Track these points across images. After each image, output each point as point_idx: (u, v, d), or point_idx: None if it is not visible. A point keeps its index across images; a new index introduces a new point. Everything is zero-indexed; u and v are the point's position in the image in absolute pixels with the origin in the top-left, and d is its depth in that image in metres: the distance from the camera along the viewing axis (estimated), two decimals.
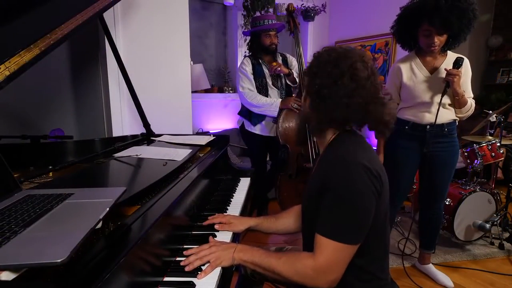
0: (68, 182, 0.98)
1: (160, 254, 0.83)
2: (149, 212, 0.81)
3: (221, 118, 3.74)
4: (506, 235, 2.35)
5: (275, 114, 2.30)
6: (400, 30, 1.75)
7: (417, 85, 1.74)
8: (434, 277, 1.96)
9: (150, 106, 2.02)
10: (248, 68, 2.36)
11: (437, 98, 1.72)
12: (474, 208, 2.27)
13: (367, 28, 3.94)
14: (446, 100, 1.71)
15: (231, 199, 1.39)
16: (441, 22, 1.53)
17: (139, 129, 1.92)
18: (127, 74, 1.71)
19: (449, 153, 1.79)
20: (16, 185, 0.80)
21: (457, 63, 1.63)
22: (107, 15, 1.91)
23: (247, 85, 2.35)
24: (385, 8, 3.65)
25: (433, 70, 1.73)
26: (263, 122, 2.43)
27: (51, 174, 1.08)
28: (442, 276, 1.94)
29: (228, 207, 1.31)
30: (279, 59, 2.46)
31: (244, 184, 1.60)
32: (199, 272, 0.84)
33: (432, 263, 2.05)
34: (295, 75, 2.38)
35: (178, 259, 0.89)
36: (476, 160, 2.43)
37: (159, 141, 1.68)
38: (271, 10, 3.38)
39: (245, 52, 2.73)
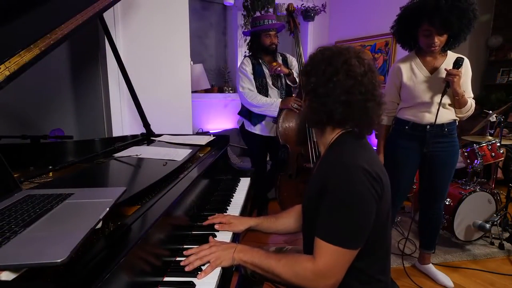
0: (68, 182, 0.98)
1: (160, 254, 0.83)
2: (149, 212, 0.81)
3: (221, 118, 3.74)
4: (506, 235, 2.35)
5: (275, 114, 2.30)
6: (400, 30, 1.75)
7: (417, 85, 1.74)
8: (434, 277, 1.96)
9: (150, 106, 2.02)
10: (248, 68, 2.36)
11: (437, 98, 1.72)
12: (474, 208, 2.27)
13: (367, 28, 3.94)
14: (446, 100, 1.71)
15: (231, 199, 1.39)
16: (441, 22, 1.53)
17: (139, 129, 1.92)
18: (127, 74, 1.71)
19: (449, 153, 1.79)
20: (16, 185, 0.80)
21: (457, 63, 1.63)
22: (107, 15, 1.91)
23: (247, 85, 2.35)
24: (385, 8, 3.65)
25: (433, 70, 1.73)
26: (263, 122, 2.43)
27: (51, 174, 1.08)
28: (442, 276, 1.94)
29: (228, 207, 1.31)
30: (279, 59, 2.46)
31: (244, 184, 1.60)
32: (199, 272, 0.84)
33: (432, 263, 2.05)
34: (295, 75, 2.38)
35: (178, 259, 0.89)
36: (476, 160, 2.43)
37: (159, 141, 1.68)
38: (271, 10, 3.38)
39: (245, 52, 2.73)
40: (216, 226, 1.09)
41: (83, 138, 1.78)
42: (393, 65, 1.86)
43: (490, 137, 2.59)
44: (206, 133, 3.22)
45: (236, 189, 1.53)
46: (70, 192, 0.77)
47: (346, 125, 0.94)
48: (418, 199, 2.08)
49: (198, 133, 3.34)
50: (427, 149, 1.75)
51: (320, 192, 0.85)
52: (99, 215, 0.62)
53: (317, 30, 4.27)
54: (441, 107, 1.69)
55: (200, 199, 1.21)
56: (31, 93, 2.05)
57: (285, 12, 2.55)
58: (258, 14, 3.22)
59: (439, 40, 1.61)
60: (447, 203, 2.28)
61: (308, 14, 3.82)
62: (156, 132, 1.84)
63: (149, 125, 1.82)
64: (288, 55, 2.55)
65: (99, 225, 0.65)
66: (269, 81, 2.40)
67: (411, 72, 1.77)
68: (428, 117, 1.74)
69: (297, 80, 2.40)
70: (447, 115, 1.74)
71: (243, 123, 2.52)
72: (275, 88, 2.41)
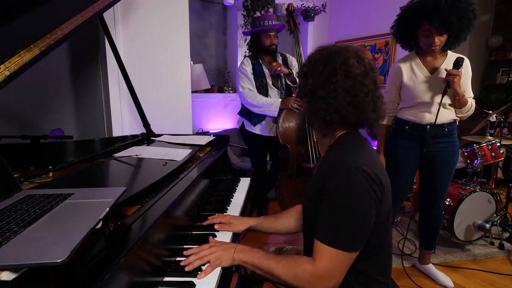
0: (68, 182, 0.98)
1: (160, 254, 0.83)
2: (149, 212, 0.81)
3: (221, 118, 3.74)
4: (506, 235, 2.35)
5: (275, 114, 2.30)
6: (400, 30, 1.75)
7: (417, 85, 1.74)
8: (434, 277, 1.96)
9: (150, 106, 2.02)
10: (248, 68, 2.36)
11: (437, 98, 1.72)
12: (474, 208, 2.27)
13: (367, 28, 3.94)
14: (446, 100, 1.71)
15: (231, 199, 1.39)
16: (442, 22, 1.53)
17: (139, 129, 1.92)
18: (127, 74, 1.71)
19: (449, 153, 1.79)
20: (16, 185, 0.80)
21: (457, 63, 1.63)
22: (107, 15, 1.91)
23: (247, 85, 2.35)
24: (385, 8, 3.65)
25: (433, 70, 1.73)
26: (263, 122, 2.43)
27: (51, 174, 1.08)
28: (442, 276, 1.94)
29: (228, 207, 1.31)
30: (279, 59, 2.46)
31: (244, 184, 1.60)
32: (199, 272, 0.84)
33: (432, 263, 2.05)
34: (295, 75, 2.38)
35: (178, 259, 0.89)
36: (476, 160, 2.43)
37: (159, 141, 1.68)
38: (271, 10, 3.38)
39: (245, 52, 2.73)
40: (216, 226, 1.09)
41: (83, 138, 1.78)
42: (393, 65, 1.86)
43: (490, 137, 2.59)
44: (206, 133, 3.22)
45: (236, 189, 1.53)
46: (70, 192, 0.77)
47: (359, 126, 0.92)
48: (418, 199, 2.07)
49: (198, 133, 3.34)
50: (427, 149, 1.75)
51: (320, 193, 0.85)
52: (99, 215, 0.62)
53: (317, 30, 4.27)
54: (441, 107, 1.69)
55: (200, 199, 1.21)
56: (31, 93, 2.05)
57: (285, 12, 2.55)
58: (258, 14, 3.22)
59: (439, 40, 1.61)
60: (447, 203, 2.28)
61: (308, 14, 3.82)
62: (156, 132, 1.84)
63: (149, 125, 1.82)
64: (288, 55, 2.55)
65: (99, 225, 0.65)
66: (269, 81, 2.40)
67: (411, 72, 1.77)
68: (428, 117, 1.74)
69: (297, 80, 2.40)
70: (447, 115, 1.74)
71: (243, 123, 2.52)
72: (275, 88, 2.41)
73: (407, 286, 1.90)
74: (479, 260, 2.20)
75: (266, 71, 2.39)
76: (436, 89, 1.71)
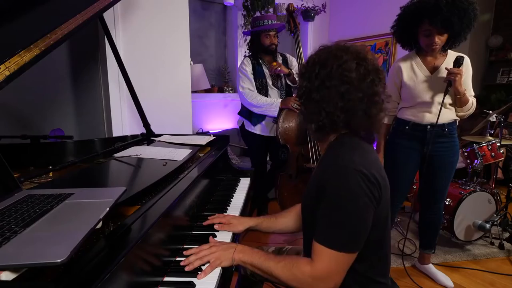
0: (68, 182, 0.98)
1: (160, 254, 0.83)
2: (149, 212, 0.81)
3: (221, 118, 3.74)
4: (506, 235, 2.35)
5: (275, 114, 2.30)
6: (400, 30, 1.75)
7: (418, 85, 1.74)
8: (434, 277, 1.96)
9: (150, 106, 2.02)
10: (248, 68, 2.36)
11: (437, 98, 1.71)
12: (474, 208, 2.27)
13: (367, 28, 3.94)
14: (447, 99, 1.70)
15: (231, 199, 1.39)
16: (442, 22, 1.53)
17: (139, 129, 1.91)
18: (127, 74, 1.71)
19: (449, 153, 1.79)
20: (16, 185, 0.80)
21: (458, 62, 1.63)
22: (107, 15, 1.91)
23: (247, 85, 2.35)
24: (385, 8, 3.65)
25: (434, 70, 1.73)
26: (263, 122, 2.43)
27: (51, 174, 1.08)
28: (442, 276, 1.94)
29: (228, 207, 1.31)
30: (279, 59, 2.46)
31: (244, 184, 1.60)
32: (199, 272, 0.84)
33: (432, 263, 2.05)
34: (295, 75, 2.38)
35: (178, 259, 0.89)
36: (476, 160, 2.43)
37: (159, 141, 1.68)
38: (271, 10, 3.38)
39: (245, 52, 2.74)
40: (216, 226, 1.09)
41: (83, 138, 1.78)
42: (394, 64, 1.86)
43: (490, 137, 2.59)
44: (206, 133, 3.22)
45: (236, 189, 1.53)
46: (70, 192, 0.77)
47: (347, 131, 0.91)
48: (418, 199, 2.08)
49: (198, 133, 3.34)
50: (427, 149, 1.75)
51: (318, 193, 0.84)
52: (99, 215, 0.62)
53: (317, 30, 4.27)
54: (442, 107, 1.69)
55: (200, 199, 1.21)
56: (31, 93, 2.04)
57: (285, 12, 2.56)
58: (258, 14, 3.22)
59: (439, 40, 1.61)
60: (447, 203, 2.28)
61: (308, 14, 3.83)
62: (156, 132, 1.84)
63: (149, 125, 1.82)
64: (288, 55, 2.55)
65: (99, 225, 0.65)
66: (269, 81, 2.40)
67: (412, 72, 1.76)
68: (429, 117, 1.74)
69: (297, 80, 2.40)
70: (447, 115, 1.74)
71: (243, 123, 2.52)
72: (275, 88, 2.41)
73: (407, 286, 1.90)
74: (479, 260, 2.20)
75: (266, 71, 2.39)
76: (436, 88, 1.71)
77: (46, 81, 2.13)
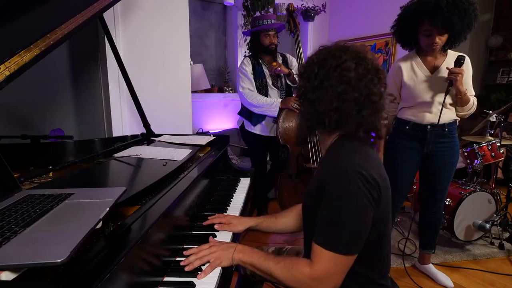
0: (68, 182, 0.98)
1: (160, 254, 0.83)
2: (149, 212, 0.81)
3: (221, 118, 3.74)
4: (506, 235, 2.35)
5: (275, 114, 2.30)
6: (400, 30, 1.75)
7: (418, 85, 1.74)
8: (434, 277, 1.96)
9: (150, 106, 2.02)
10: (248, 68, 2.36)
11: (437, 98, 1.71)
12: (474, 208, 2.27)
13: (367, 28, 3.94)
14: (447, 99, 1.70)
15: (231, 199, 1.39)
16: (443, 22, 1.53)
17: (139, 129, 1.91)
18: (127, 74, 1.71)
19: (449, 153, 1.79)
20: (16, 185, 0.80)
21: (459, 61, 1.63)
22: (107, 15, 1.91)
23: (247, 85, 2.35)
24: (385, 8, 3.65)
25: (434, 70, 1.73)
26: (263, 122, 2.43)
27: (51, 174, 1.08)
28: (442, 276, 1.94)
29: (228, 207, 1.31)
30: (279, 59, 2.46)
31: (244, 184, 1.60)
32: (199, 272, 0.84)
33: (432, 263, 2.05)
34: (295, 75, 2.38)
35: (178, 259, 0.89)
36: (476, 160, 2.43)
37: (159, 141, 1.68)
38: (271, 10, 3.38)
39: (245, 52, 2.73)
40: (216, 226, 1.09)
41: (83, 138, 1.78)
42: (394, 64, 1.86)
43: (490, 137, 2.59)
44: (206, 133, 3.22)
45: (236, 189, 1.53)
46: (70, 192, 0.77)
47: (338, 132, 0.91)
48: (418, 199, 2.07)
49: (198, 133, 3.34)
50: (428, 149, 1.75)
51: (318, 194, 0.84)
52: (99, 215, 0.62)
53: (317, 30, 4.27)
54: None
55: (200, 199, 1.21)
56: (31, 93, 2.04)
57: (285, 12, 2.56)
58: (258, 14, 3.22)
59: (440, 40, 1.61)
60: (447, 203, 2.28)
61: (308, 14, 3.83)
62: (156, 132, 1.84)
63: (149, 125, 1.82)
64: (288, 55, 2.55)
65: (99, 225, 0.65)
66: (269, 81, 2.40)
67: (412, 72, 1.76)
68: (429, 117, 1.74)
69: (297, 80, 2.40)
70: (448, 115, 1.74)
71: (243, 123, 2.52)
72: (275, 88, 2.41)
73: (407, 286, 1.90)
74: (479, 260, 2.20)
75: (266, 71, 2.39)
76: (436, 88, 1.71)
77: (46, 81, 2.13)
